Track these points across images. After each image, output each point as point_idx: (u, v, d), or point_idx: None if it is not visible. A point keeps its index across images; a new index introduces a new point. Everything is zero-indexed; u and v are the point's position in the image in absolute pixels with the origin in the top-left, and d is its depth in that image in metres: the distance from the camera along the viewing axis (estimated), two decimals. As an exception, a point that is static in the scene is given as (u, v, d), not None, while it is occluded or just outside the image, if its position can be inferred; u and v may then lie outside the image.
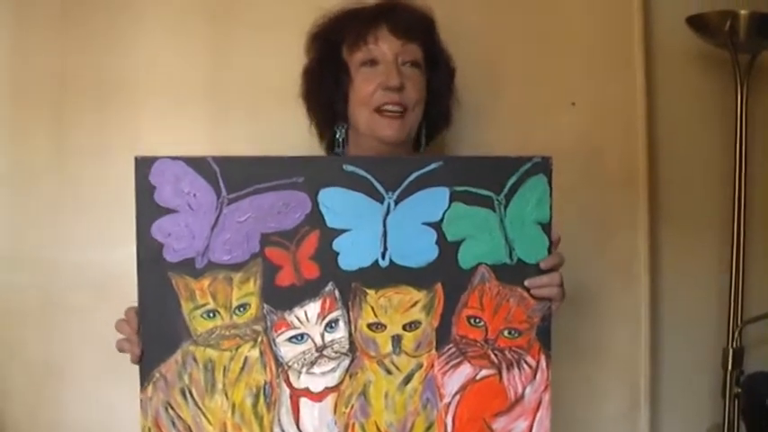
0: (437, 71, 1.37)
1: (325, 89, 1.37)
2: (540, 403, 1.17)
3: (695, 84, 1.84)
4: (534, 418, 1.17)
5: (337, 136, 1.38)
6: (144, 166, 1.09)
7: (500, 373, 1.16)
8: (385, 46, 1.30)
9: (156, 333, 1.11)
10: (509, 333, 1.16)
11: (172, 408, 1.11)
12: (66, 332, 1.67)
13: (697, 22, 1.69)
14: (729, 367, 1.69)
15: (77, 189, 1.66)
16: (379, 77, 1.29)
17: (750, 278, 1.76)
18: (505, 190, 1.15)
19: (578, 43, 1.76)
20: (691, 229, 1.83)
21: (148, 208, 1.10)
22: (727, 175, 1.74)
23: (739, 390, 1.69)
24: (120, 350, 1.14)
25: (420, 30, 1.34)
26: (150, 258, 1.10)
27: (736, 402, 1.69)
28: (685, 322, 1.83)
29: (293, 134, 1.54)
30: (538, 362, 1.17)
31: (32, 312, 1.67)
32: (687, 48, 1.80)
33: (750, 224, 1.74)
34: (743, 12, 1.65)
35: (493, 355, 1.16)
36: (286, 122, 1.59)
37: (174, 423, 1.11)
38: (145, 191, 1.09)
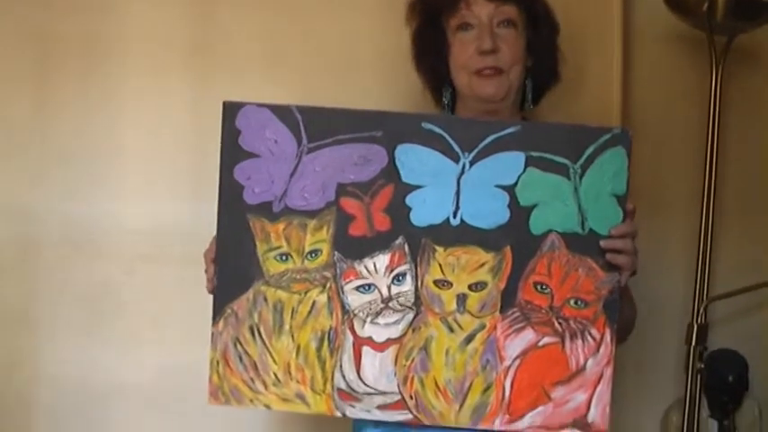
0: (538, 29, 1.38)
1: (428, 55, 1.41)
2: (601, 376, 1.16)
3: (672, 64, 1.84)
4: (594, 391, 1.16)
5: (444, 99, 1.41)
6: (231, 110, 1.14)
7: (563, 341, 1.16)
8: (478, 9, 1.32)
9: (230, 270, 1.16)
10: (575, 303, 1.16)
11: (240, 343, 1.16)
12: (45, 285, 1.73)
13: (675, 3, 1.69)
14: (693, 343, 1.69)
15: (59, 143, 1.73)
16: (474, 41, 1.31)
17: (717, 256, 1.76)
18: (582, 159, 1.14)
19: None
20: (661, 206, 1.82)
21: (233, 151, 1.15)
22: (699, 155, 1.74)
23: (702, 366, 1.69)
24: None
25: None
26: (231, 199, 1.15)
27: (699, 378, 1.69)
28: (651, 298, 1.79)
29: (274, 98, 1.59)
30: (602, 334, 1.16)
31: (10, 264, 1.73)
32: (665, 28, 1.79)
33: (719, 203, 1.75)
34: None
35: (557, 324, 1.16)
36: (268, 88, 1.67)
37: (240, 358, 1.16)
38: (231, 134, 1.14)
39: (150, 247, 1.71)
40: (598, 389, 1.17)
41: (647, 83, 1.84)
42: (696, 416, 1.70)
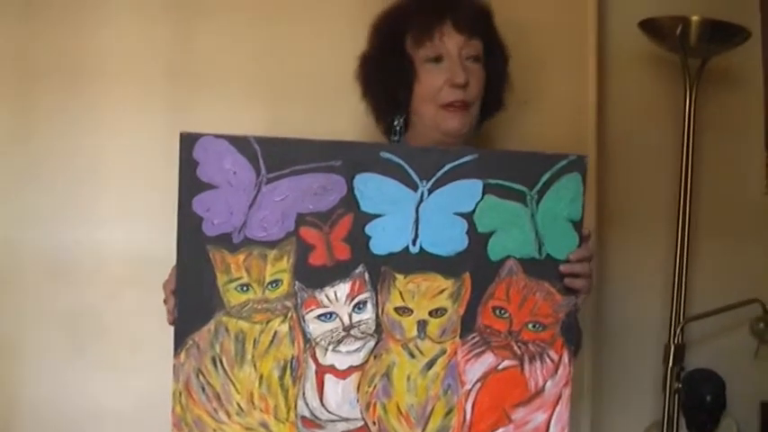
0: (494, 59, 1.39)
1: (387, 80, 1.38)
2: (559, 397, 1.19)
3: (646, 86, 1.87)
4: (553, 412, 1.19)
5: (395, 124, 1.40)
6: (188, 142, 1.14)
7: (522, 364, 1.18)
8: (450, 42, 1.32)
9: (191, 302, 1.16)
10: (533, 326, 1.18)
11: (202, 374, 1.16)
12: (26, 311, 1.71)
13: (649, 26, 1.71)
14: (671, 363, 1.70)
15: (39, 168, 1.71)
16: (445, 74, 1.32)
17: (693, 276, 1.78)
18: (539, 186, 1.16)
19: (532, 42, 1.77)
20: (637, 227, 1.86)
21: (191, 182, 1.14)
22: (673, 176, 1.77)
23: (680, 385, 1.71)
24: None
25: (482, 23, 1.36)
26: (190, 230, 1.14)
27: (677, 398, 1.71)
28: (629, 318, 1.86)
29: (254, 118, 1.62)
30: (560, 356, 1.19)
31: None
32: (639, 51, 1.82)
33: (695, 224, 1.77)
34: (694, 17, 1.67)
35: (516, 347, 1.18)
36: (247, 106, 1.67)
37: (203, 389, 1.16)
38: (188, 166, 1.14)
39: (131, 272, 1.70)
40: (557, 409, 1.19)
41: (621, 105, 1.86)
42: (675, 436, 1.72)
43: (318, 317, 1.16)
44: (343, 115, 1.57)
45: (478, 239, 1.16)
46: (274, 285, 1.16)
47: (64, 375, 1.72)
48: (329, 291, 1.16)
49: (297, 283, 1.16)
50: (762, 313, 1.81)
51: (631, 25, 1.73)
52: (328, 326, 1.16)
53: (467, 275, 1.17)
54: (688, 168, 1.73)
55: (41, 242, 1.71)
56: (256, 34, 1.74)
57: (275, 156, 1.14)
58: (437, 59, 1.33)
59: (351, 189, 1.15)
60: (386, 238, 1.16)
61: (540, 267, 1.17)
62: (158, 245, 1.64)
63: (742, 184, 1.93)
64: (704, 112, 1.79)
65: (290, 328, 1.16)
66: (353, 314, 1.17)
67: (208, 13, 1.74)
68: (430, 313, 1.17)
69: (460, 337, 1.18)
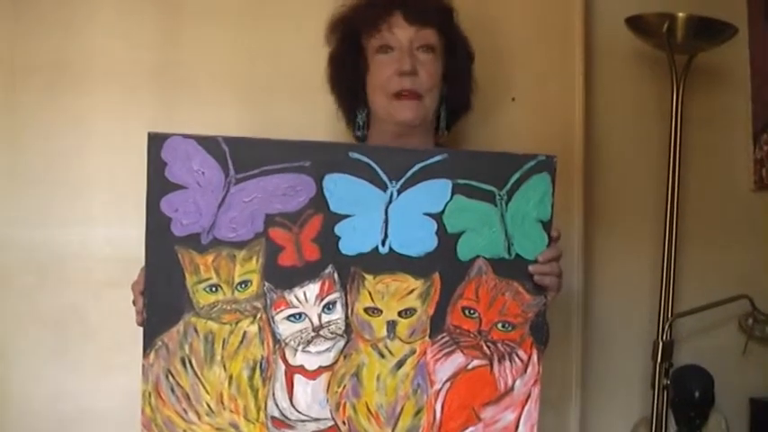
0: (454, 56, 1.39)
1: (345, 76, 1.41)
2: (528, 396, 1.20)
3: (633, 83, 1.87)
4: (522, 411, 1.20)
5: (358, 120, 1.42)
6: (156, 142, 1.13)
7: (491, 364, 1.19)
8: (399, 32, 1.33)
9: (160, 303, 1.16)
10: (503, 326, 1.18)
11: (172, 375, 1.16)
12: (13, 311, 1.71)
13: (636, 23, 1.71)
14: (659, 359, 1.71)
15: (25, 169, 1.71)
16: (394, 64, 1.32)
17: (682, 273, 1.79)
18: (508, 186, 1.16)
19: (519, 39, 1.79)
20: (624, 224, 1.87)
21: (159, 183, 1.14)
22: (661, 173, 1.76)
23: (668, 382, 1.71)
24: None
25: (435, 15, 1.36)
26: (158, 231, 1.14)
27: (665, 394, 1.72)
28: (617, 315, 1.86)
29: (240, 118, 1.62)
30: (529, 356, 1.19)
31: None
32: (626, 48, 1.82)
33: (682, 221, 1.77)
34: (680, 14, 1.67)
35: (485, 347, 1.18)
36: (232, 106, 1.67)
37: (173, 390, 1.16)
38: (156, 166, 1.14)
39: (118, 271, 1.65)
40: (526, 408, 1.20)
41: (608, 102, 1.86)
42: (663, 432, 1.73)
43: (288, 317, 1.17)
44: (329, 115, 1.57)
45: (448, 240, 1.16)
46: (243, 286, 1.16)
47: (50, 375, 1.71)
48: (298, 291, 1.16)
49: (266, 283, 1.16)
50: (750, 309, 1.83)
51: (618, 22, 1.73)
52: (298, 326, 1.17)
53: (436, 276, 1.17)
54: (675, 164, 1.73)
55: (27, 242, 1.71)
56: (241, 35, 1.74)
57: (244, 156, 1.14)
58: (386, 49, 1.34)
59: (320, 189, 1.15)
60: (355, 238, 1.16)
61: (510, 267, 1.17)
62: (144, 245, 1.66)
63: (729, 180, 1.93)
64: (691, 109, 1.79)
65: (260, 328, 1.16)
66: (323, 314, 1.17)
67: (193, 13, 1.73)
68: (399, 313, 1.17)
69: (430, 337, 1.18)
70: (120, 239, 1.70)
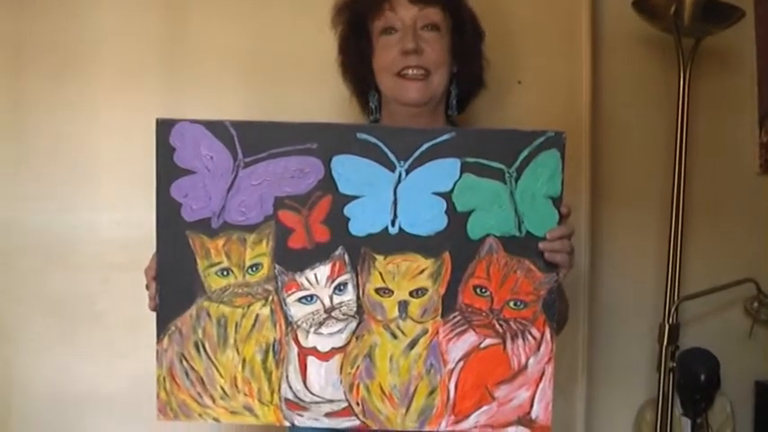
0: (463, 34, 1.39)
1: (353, 60, 1.41)
2: (543, 374, 1.19)
3: (640, 66, 1.86)
4: (537, 389, 1.19)
5: (371, 104, 1.42)
6: (165, 128, 1.14)
7: (504, 342, 1.18)
8: (402, 12, 1.33)
9: (172, 288, 1.16)
10: (515, 304, 1.18)
11: (186, 359, 1.17)
12: (21, 294, 1.73)
13: (643, 6, 1.70)
14: (665, 342, 1.71)
15: (33, 153, 1.73)
16: (398, 44, 1.32)
17: (688, 256, 1.78)
18: (517, 163, 1.16)
19: (526, 22, 1.79)
20: (631, 207, 1.86)
21: (168, 168, 1.14)
22: (668, 156, 1.76)
23: (674, 365, 1.71)
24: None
25: None
26: (168, 217, 1.15)
27: (672, 377, 1.72)
28: (623, 297, 1.87)
29: (246, 103, 1.63)
30: (543, 334, 1.19)
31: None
32: (633, 31, 1.82)
33: (689, 204, 1.77)
34: None
35: (498, 325, 1.18)
36: (240, 91, 1.67)
37: (187, 374, 1.17)
38: (165, 152, 1.14)
39: (125, 255, 1.71)
40: (540, 386, 1.19)
41: (615, 85, 1.86)
42: (669, 414, 1.73)
43: (299, 299, 1.17)
44: (336, 98, 1.57)
45: (457, 218, 1.16)
46: (254, 269, 1.16)
47: (58, 359, 1.73)
48: (309, 273, 1.16)
49: (277, 266, 1.16)
50: (756, 293, 1.82)
51: (625, 5, 1.73)
52: (309, 308, 1.17)
53: (446, 255, 1.17)
54: (682, 148, 1.72)
55: (36, 227, 1.72)
56: (249, 19, 1.75)
57: (251, 140, 1.14)
58: (390, 31, 1.34)
59: (328, 171, 1.15)
60: (365, 219, 1.16)
61: (521, 245, 1.17)
62: (153, 229, 1.67)
63: (735, 164, 1.92)
64: (698, 92, 1.79)
65: (272, 311, 1.17)
66: (334, 296, 1.17)
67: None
68: (410, 293, 1.17)
69: (442, 316, 1.17)
70: (128, 223, 1.72)
